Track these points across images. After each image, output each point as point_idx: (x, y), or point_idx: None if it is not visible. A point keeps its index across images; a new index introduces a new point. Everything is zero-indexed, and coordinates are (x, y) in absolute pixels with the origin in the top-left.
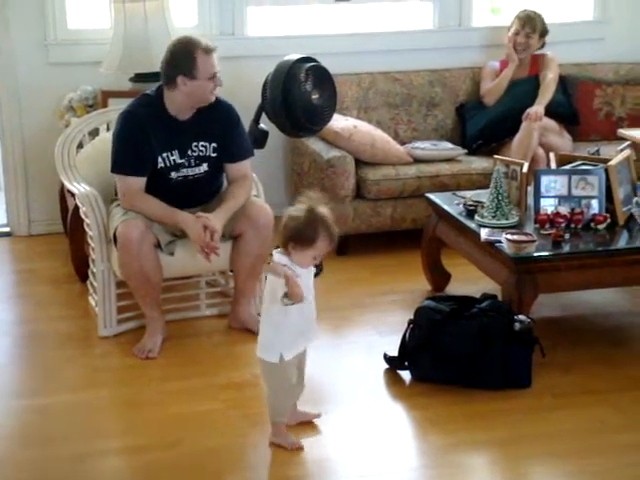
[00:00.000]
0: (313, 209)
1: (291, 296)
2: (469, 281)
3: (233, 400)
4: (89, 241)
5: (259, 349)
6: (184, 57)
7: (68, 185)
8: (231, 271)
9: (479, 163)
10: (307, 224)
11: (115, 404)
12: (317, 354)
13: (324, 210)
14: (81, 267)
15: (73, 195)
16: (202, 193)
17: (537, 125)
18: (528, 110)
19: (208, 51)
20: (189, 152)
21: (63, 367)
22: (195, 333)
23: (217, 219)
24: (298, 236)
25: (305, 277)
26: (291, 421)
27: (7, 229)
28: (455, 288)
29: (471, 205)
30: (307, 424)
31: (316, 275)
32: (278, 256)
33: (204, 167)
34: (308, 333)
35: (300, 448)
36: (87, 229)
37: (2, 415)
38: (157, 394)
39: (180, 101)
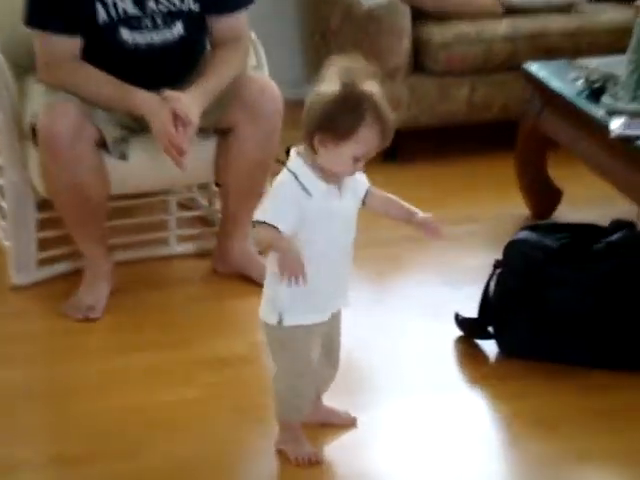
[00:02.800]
0: (354, 82)
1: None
2: (592, 201)
3: (219, 385)
4: None
5: (261, 306)
6: None
7: None
8: (217, 185)
9: (610, 14)
10: (345, 103)
11: (37, 391)
12: (352, 316)
13: (372, 85)
14: None
15: None
16: (174, 68)
17: None
18: None
19: None
20: (151, 4)
21: None
22: (161, 282)
23: (193, 102)
24: (330, 122)
25: (329, 198)
26: (312, 419)
27: None
28: (568, 212)
29: (597, 81)
30: (336, 426)
31: None
32: (295, 158)
33: (178, 29)
34: (333, 296)
35: (318, 462)
36: None
37: None
38: (101, 376)
39: None
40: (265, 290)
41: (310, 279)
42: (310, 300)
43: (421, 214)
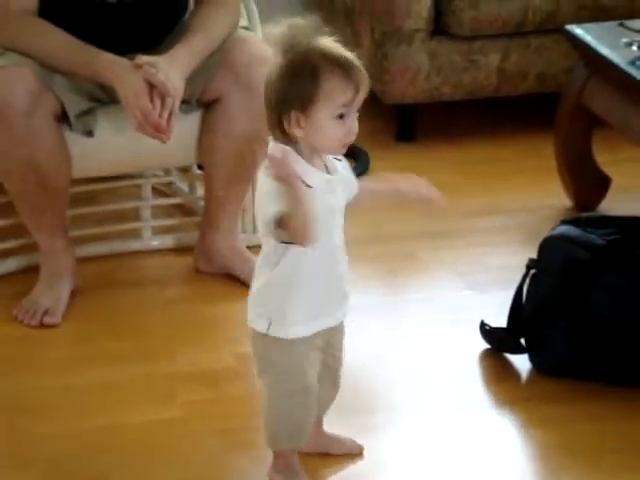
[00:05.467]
0: (299, 42)
1: (290, 225)
2: None
3: (202, 403)
4: None
5: (248, 310)
6: None
7: None
8: (200, 168)
9: None
10: (293, 72)
11: None
12: (358, 323)
13: (322, 40)
14: None
15: None
16: (150, 28)
17: None
18: None
19: None
20: None
21: None
22: (132, 281)
23: (175, 67)
24: (290, 92)
25: (329, 189)
26: (311, 448)
27: None
28: (618, 203)
29: None
30: (340, 455)
31: (359, 175)
32: (275, 147)
33: None
34: (331, 301)
35: None
36: None
37: None
38: (62, 393)
39: None
40: (252, 292)
41: (304, 287)
42: (306, 305)
43: (406, 180)
